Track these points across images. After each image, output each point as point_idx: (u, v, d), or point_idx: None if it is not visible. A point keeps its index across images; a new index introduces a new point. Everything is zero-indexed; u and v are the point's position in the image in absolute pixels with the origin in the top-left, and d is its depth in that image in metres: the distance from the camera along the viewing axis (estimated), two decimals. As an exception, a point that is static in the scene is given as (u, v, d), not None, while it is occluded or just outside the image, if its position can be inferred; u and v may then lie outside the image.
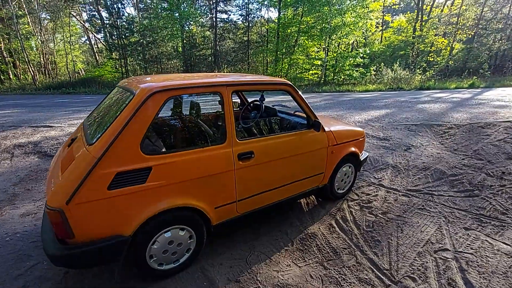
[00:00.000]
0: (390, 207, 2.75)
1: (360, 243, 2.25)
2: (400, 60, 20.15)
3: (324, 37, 17.63)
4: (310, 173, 2.48)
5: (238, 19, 24.60)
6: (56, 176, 1.63)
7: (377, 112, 7.15)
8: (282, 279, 1.87)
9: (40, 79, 18.23)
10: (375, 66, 20.48)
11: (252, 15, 24.10)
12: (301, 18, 18.27)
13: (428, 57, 22.03)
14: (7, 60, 18.71)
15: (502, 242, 2.18)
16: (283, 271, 1.95)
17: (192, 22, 21.06)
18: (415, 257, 2.05)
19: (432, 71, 19.00)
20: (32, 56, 19.75)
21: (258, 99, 2.91)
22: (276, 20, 19.82)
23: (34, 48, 20.02)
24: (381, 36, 27.04)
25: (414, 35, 22.62)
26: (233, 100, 3.48)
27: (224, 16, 23.66)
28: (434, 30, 22.16)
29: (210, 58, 23.01)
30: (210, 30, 23.39)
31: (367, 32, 23.16)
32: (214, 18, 22.70)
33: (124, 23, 19.58)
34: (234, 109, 3.37)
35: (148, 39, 20.47)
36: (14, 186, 3.28)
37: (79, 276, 1.88)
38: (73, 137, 1.98)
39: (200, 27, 23.09)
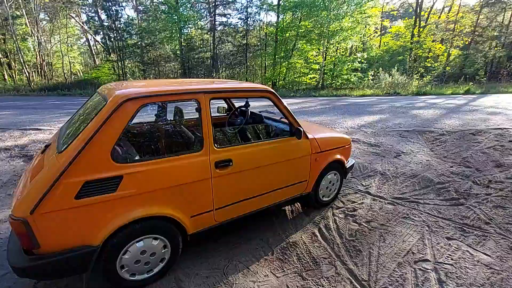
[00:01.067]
0: (374, 216, 2.73)
1: (341, 252, 2.22)
2: (398, 65, 20.25)
3: (322, 41, 17.74)
4: (292, 181, 2.45)
5: (237, 22, 24.78)
6: (25, 185, 1.59)
7: (371, 118, 7.15)
8: (258, 290, 1.84)
9: (35, 80, 18.22)
10: (373, 71, 20.58)
11: (251, 19, 24.21)
12: (299, 22, 18.36)
13: (426, 63, 22.15)
14: (2, 61, 18.71)
15: (482, 252, 2.15)
16: (259, 282, 1.92)
17: (191, 25, 21.15)
18: (394, 268, 2.02)
19: (430, 76, 19.11)
20: (28, 57, 19.77)
21: (244, 105, 2.90)
22: (275, 24, 19.92)
23: (32, 49, 20.03)
24: (380, 41, 27.22)
25: (412, 41, 22.76)
26: (221, 105, 3.48)
27: (224, 19, 23.74)
28: (432, 36, 22.32)
29: (208, 61, 23.06)
30: (209, 33, 23.46)
31: (365, 37, 23.29)
32: (213, 21, 22.78)
33: (123, 25, 19.64)
34: (221, 114, 3.36)
35: (146, 41, 20.51)
36: (-4, 190, 3.24)
37: (51, 286, 1.84)
38: (47, 144, 1.95)
39: (199, 30, 23.17)
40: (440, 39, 23.03)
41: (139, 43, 20.35)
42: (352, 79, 18.26)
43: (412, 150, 4.56)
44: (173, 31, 19.58)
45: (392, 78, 17.58)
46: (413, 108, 8.61)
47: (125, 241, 1.65)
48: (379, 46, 26.66)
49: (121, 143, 1.88)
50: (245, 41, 23.78)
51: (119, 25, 19.64)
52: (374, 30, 26.83)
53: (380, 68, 19.32)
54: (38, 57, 20.31)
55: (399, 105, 9.39)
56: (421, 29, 22.41)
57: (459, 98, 11.71)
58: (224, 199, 2.02)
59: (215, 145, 1.92)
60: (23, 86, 16.27)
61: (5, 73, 19.04)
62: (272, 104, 2.31)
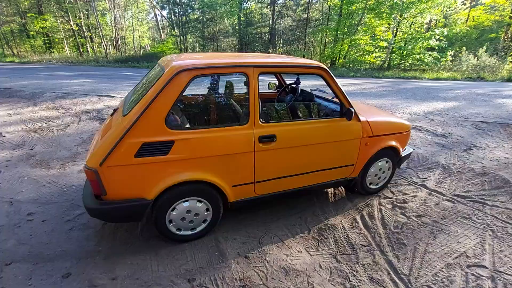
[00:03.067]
0: (427, 211, 2.50)
1: (383, 243, 2.12)
2: (488, 45, 17.03)
3: (394, 14, 15.74)
4: (338, 164, 2.36)
5: (299, -6, 23.45)
6: (97, 141, 1.87)
7: (441, 104, 6.32)
8: (290, 264, 1.89)
9: (112, 52, 20.41)
10: (454, 51, 17.72)
11: (315, -10, 22.69)
12: (369, -7, 16.54)
13: (527, 42, 18.18)
14: (85, 34, 21.30)
15: (560, 271, 1.82)
16: (292, 256, 1.97)
17: (251, -1, 20.86)
18: (441, 268, 1.86)
19: (530, 59, 15.71)
20: (106, 32, 22.08)
21: (294, 82, 2.83)
22: (342, -5, 18.33)
23: (109, 24, 22.28)
24: (468, 15, 23.03)
25: None
26: (272, 82, 3.45)
27: (285, -9, 22.75)
28: (541, 8, 17.99)
29: (266, 36, 22.70)
30: (269, 7, 22.85)
31: (450, 9, 19.94)
32: (274, -6, 22.02)
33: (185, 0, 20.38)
34: (272, 90, 3.34)
35: (207, 16, 21.01)
36: (77, 146, 3.85)
37: (114, 229, 2.18)
38: (115, 108, 2.22)
39: (258, 3, 22.74)
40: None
41: (201, 18, 20.96)
42: (425, 60, 16.02)
43: (488, 144, 3.93)
44: (233, 5, 19.58)
45: (477, 60, 14.96)
46: (499, 97, 7.29)
47: (174, 199, 1.84)
48: (466, 20, 22.63)
49: (175, 112, 2.04)
50: (306, 15, 22.57)
51: (183, 0, 20.44)
52: (463, 2, 22.75)
53: (464, 48, 16.54)
54: (114, 31, 22.60)
55: (481, 92, 8.04)
56: (527, -1, 18.21)
57: None
58: (265, 174, 2.07)
59: (261, 119, 1.95)
60: (101, 57, 18.43)
61: (87, 45, 21.76)
62: (324, 83, 2.20)
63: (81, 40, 21.34)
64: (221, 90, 2.60)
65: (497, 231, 2.21)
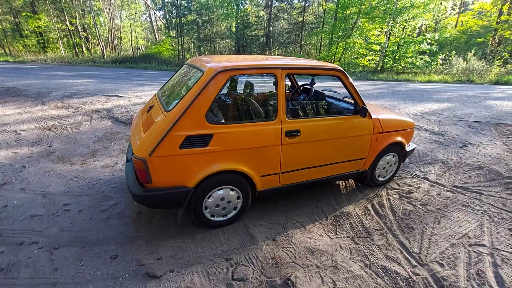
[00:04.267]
0: (431, 200, 2.75)
1: (393, 227, 2.36)
2: (477, 49, 17.71)
3: (387, 19, 16.25)
4: (351, 157, 2.60)
5: (295, -2, 23.86)
6: (139, 135, 2.05)
7: (436, 105, 6.66)
8: (314, 245, 2.11)
9: (107, 53, 20.31)
10: (444, 55, 18.36)
11: (310, -6, 23.12)
12: (363, -2, 17.01)
13: (513, 46, 18.98)
14: (81, 34, 21.16)
15: (549, 247, 2.09)
16: (315, 239, 2.18)
17: (247, 1, 21.11)
18: (447, 247, 2.10)
19: (516, 63, 16.44)
20: (102, 31, 21.97)
21: (308, 82, 3.06)
22: (335, 0, 18.79)
23: (103, 24, 22.19)
24: (457, 20, 23.85)
25: (499, 20, 19.53)
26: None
27: (281, -6, 23.10)
28: (526, 15, 18.82)
29: (262, 39, 22.98)
30: (265, 9, 23.16)
31: (440, 14, 20.63)
32: (270, -3, 22.34)
33: (183, 1, 20.47)
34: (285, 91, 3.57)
35: (204, 18, 21.15)
36: (94, 143, 3.99)
37: (149, 216, 2.36)
38: (151, 105, 2.40)
39: (255, 6, 23.02)
40: (537, 18, 19.30)
41: (197, 20, 21.08)
42: (417, 63, 16.58)
43: (482, 142, 4.25)
44: (230, 7, 19.79)
45: (466, 64, 15.56)
46: (488, 98, 7.71)
47: (211, 187, 2.04)
48: (455, 25, 23.44)
49: (213, 108, 2.23)
50: (301, 18, 22.97)
51: (180, 1, 20.54)
52: (452, 7, 23.55)
53: (453, 52, 17.17)
54: (109, 31, 22.52)
55: (471, 94, 8.46)
56: (512, 6, 19.04)
57: (551, 90, 10.01)
58: (289, 165, 2.28)
59: (287, 116, 2.16)
60: (98, 58, 18.34)
61: (83, 45, 21.63)
62: (341, 83, 2.43)
63: (77, 40, 21.18)
64: (249, 89, 2.81)
65: (493, 216, 2.48)
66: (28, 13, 19.62)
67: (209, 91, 1.90)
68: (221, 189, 2.09)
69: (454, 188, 2.98)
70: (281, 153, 2.19)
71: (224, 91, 2.54)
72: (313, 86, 2.97)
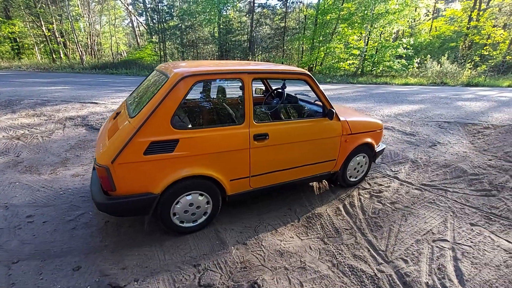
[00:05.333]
0: (399, 198, 2.84)
1: (363, 226, 2.41)
2: (450, 53, 18.59)
3: (365, 25, 16.81)
4: (322, 159, 2.65)
5: (276, 4, 24.28)
6: (104, 141, 2.00)
7: (409, 107, 6.91)
8: (284, 247, 2.12)
9: (87, 59, 19.81)
10: (420, 58, 19.16)
11: (291, 0, 23.59)
12: (341, 4, 17.53)
13: (482, 51, 20.04)
14: (59, 40, 20.56)
15: (505, 239, 2.20)
16: (286, 241, 2.20)
17: (229, 7, 21.26)
18: (412, 243, 2.17)
19: (485, 66, 17.36)
20: (81, 37, 21.44)
21: (280, 87, 3.11)
22: (315, 6, 19.25)
23: (82, 30, 21.68)
24: (431, 26, 24.97)
25: (469, 26, 20.62)
26: (258, 87, 3.72)
27: (262, 0, 23.51)
28: (493, 21, 19.97)
29: (245, 44, 23.16)
30: (247, 15, 23.41)
31: (414, 21, 21.53)
32: (252, 3, 22.61)
33: (164, 7, 20.36)
34: (259, 95, 3.60)
35: (186, 23, 21.11)
36: (66, 152, 3.87)
37: (117, 225, 2.30)
38: (118, 111, 2.36)
39: (237, 12, 23.21)
40: (502, 24, 20.53)
41: (179, 25, 21.01)
42: (395, 66, 17.21)
43: (450, 141, 4.44)
44: (212, 13, 19.86)
45: (440, 67, 16.29)
46: (459, 100, 8.09)
47: (178, 193, 2.02)
48: (429, 31, 24.52)
49: (179, 113, 2.22)
50: (283, 24, 23.36)
51: (161, 7, 20.43)
52: (426, 13, 24.65)
53: (428, 56, 17.93)
54: (89, 37, 22.01)
55: (443, 96, 8.85)
56: (480, 12, 20.15)
57: (516, 91, 10.63)
58: (259, 168, 2.30)
59: (255, 120, 2.18)
60: (76, 64, 17.83)
61: (61, 51, 21.00)
62: (309, 87, 2.49)
63: (54, 46, 20.54)
64: (220, 94, 2.81)
65: (456, 212, 2.59)
66: (1, 18, 18.87)
67: (174, 97, 1.89)
68: (189, 194, 2.08)
69: (422, 186, 3.09)
70: (250, 157, 2.21)
71: (192, 96, 2.53)
72: (284, 90, 3.02)
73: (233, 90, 2.47)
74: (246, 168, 2.23)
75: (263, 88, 3.62)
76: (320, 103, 2.79)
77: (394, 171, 3.46)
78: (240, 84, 2.17)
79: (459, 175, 3.31)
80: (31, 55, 20.97)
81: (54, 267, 1.86)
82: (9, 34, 19.63)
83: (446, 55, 17.18)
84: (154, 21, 21.51)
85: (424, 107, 6.95)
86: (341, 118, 2.66)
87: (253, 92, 3.59)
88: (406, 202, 2.77)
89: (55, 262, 1.91)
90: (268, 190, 2.48)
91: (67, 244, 2.08)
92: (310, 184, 3.12)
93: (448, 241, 2.20)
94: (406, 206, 2.70)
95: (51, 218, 2.38)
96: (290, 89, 3.49)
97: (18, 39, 20.65)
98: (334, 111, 2.46)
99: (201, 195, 2.13)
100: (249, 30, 22.81)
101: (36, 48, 20.53)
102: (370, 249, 2.13)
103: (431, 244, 2.17)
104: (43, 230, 2.23)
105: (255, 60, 21.95)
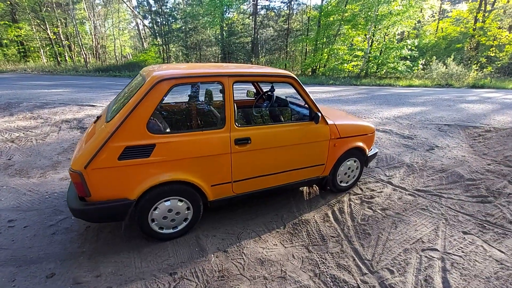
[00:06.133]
0: (391, 205, 2.75)
1: (350, 234, 2.33)
2: (455, 54, 18.30)
3: (368, 26, 16.65)
4: (309, 163, 2.58)
5: (280, 6, 24.27)
6: (81, 146, 1.97)
7: (410, 109, 6.79)
8: (266, 255, 2.06)
9: (91, 62, 20.05)
10: (425, 60, 18.89)
11: (295, 2, 23.55)
12: (345, 6, 17.42)
13: (489, 52, 19.68)
14: (64, 43, 20.85)
15: (497, 249, 2.09)
16: (268, 248, 2.13)
17: (233, 9, 21.31)
18: (400, 253, 2.09)
19: (491, 68, 17.05)
20: (85, 40, 21.72)
21: (269, 90, 3.05)
22: (319, 7, 19.16)
23: (89, 33, 21.96)
24: (437, 27, 24.65)
25: (475, 27, 20.29)
26: (250, 90, 3.66)
27: (266, 2, 23.55)
28: (498, 23, 19.63)
29: (248, 46, 23.16)
30: (251, 17, 23.42)
31: (419, 22, 21.28)
32: (255, 5, 22.62)
33: (169, 9, 20.51)
34: (250, 98, 3.55)
35: (190, 26, 21.23)
36: (58, 155, 3.86)
37: (97, 230, 2.27)
38: (99, 116, 2.33)
39: (241, 14, 23.25)
40: (508, 26, 20.16)
41: (183, 27, 21.14)
42: (399, 68, 16.98)
43: (448, 145, 4.32)
44: (216, 15, 19.93)
45: (446, 68, 16.05)
46: (462, 102, 7.92)
47: (156, 199, 1.97)
48: (435, 32, 24.21)
49: (156, 117, 2.18)
50: (287, 26, 23.32)
51: (165, 10, 20.57)
52: (431, 14, 24.37)
53: (434, 57, 17.68)
54: (93, 40, 22.28)
55: (447, 98, 8.68)
56: (486, 14, 19.82)
57: (522, 93, 10.38)
58: (241, 173, 2.24)
59: (236, 124, 2.13)
60: (81, 66, 18.07)
61: (66, 54, 21.31)
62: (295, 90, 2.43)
63: (59, 49, 20.85)
64: (200, 97, 2.76)
65: (449, 219, 2.49)
66: (7, 22, 19.23)
67: (150, 101, 1.85)
68: (168, 200, 2.03)
69: (415, 191, 2.99)
70: (232, 162, 2.15)
71: (171, 100, 2.50)
72: (273, 92, 2.96)
73: (217, 93, 2.42)
74: (227, 173, 2.17)
75: (255, 91, 3.57)
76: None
77: (388, 176, 3.36)
78: (221, 87, 2.12)
79: (456, 180, 3.20)
80: (37, 58, 21.31)
81: (28, 274, 1.83)
82: (15, 38, 19.98)
83: (452, 56, 16.93)
84: (158, 23, 21.69)
85: (425, 109, 6.82)
86: (330, 122, 2.59)
87: (246, 94, 3.55)
88: (397, 209, 2.67)
89: (30, 268, 1.87)
90: (253, 196, 2.42)
91: (45, 250, 2.04)
92: (300, 189, 3.05)
93: (438, 251, 2.10)
94: (397, 213, 2.61)
95: (33, 223, 2.35)
96: (288, 91, 3.43)
97: (24, 42, 21.01)
98: (319, 114, 2.39)
99: (181, 200, 2.08)
100: (252, 32, 22.81)
101: (42, 51, 20.84)
102: (356, 258, 2.05)
103: (420, 253, 2.08)
104: (23, 235, 2.20)
105: (258, 63, 21.94)
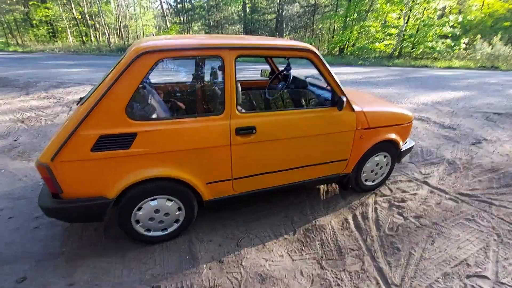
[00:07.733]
0: (427, 211, 2.27)
1: (374, 247, 1.91)
2: (503, 33, 16.14)
3: (406, 0, 14.96)
4: (328, 159, 2.14)
5: (307, -20, 22.59)
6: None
7: (451, 94, 5.95)
8: (268, 270, 1.71)
9: (114, 41, 20.17)
10: (468, 39, 16.87)
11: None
12: (380, -23, 15.73)
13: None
14: (89, 23, 21.07)
15: None
16: (272, 261, 1.78)
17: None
18: (438, 278, 1.65)
19: (546, 48, 14.84)
20: (110, 20, 21.80)
21: (284, 68, 2.58)
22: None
23: (114, 12, 21.98)
24: (483, 2, 21.81)
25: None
26: (265, 69, 3.19)
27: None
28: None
29: (272, 23, 22.05)
30: (275, -8, 22.11)
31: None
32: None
33: (190, -14, 19.86)
34: (264, 78, 3.10)
35: (211, 2, 20.51)
36: (65, 135, 3.71)
37: (82, 228, 2.03)
38: (83, 97, 2.03)
39: (265, -11, 22.05)
40: None
41: (204, 4, 20.47)
42: (438, 47, 15.28)
43: (499, 138, 3.63)
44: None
45: (492, 49, 14.21)
46: (514, 86, 6.86)
47: (139, 198, 1.66)
48: (481, 7, 21.46)
49: (138, 100, 1.83)
50: (314, 1, 21.78)
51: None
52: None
53: (478, 35, 15.71)
54: (117, 19, 22.30)
55: (493, 82, 7.59)
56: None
57: None
58: (244, 170, 1.87)
59: (238, 109, 1.73)
60: (104, 46, 18.21)
61: (91, 34, 21.58)
62: (314, 67, 1.96)
63: (84, 29, 21.15)
64: (196, 76, 2.37)
65: (503, 236, 1.98)
66: (35, 2, 19.65)
67: (130, 78, 1.49)
68: (155, 199, 1.72)
69: (458, 195, 2.47)
70: (232, 156, 1.78)
71: (157, 78, 2.12)
72: (290, 71, 2.50)
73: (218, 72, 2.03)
74: (227, 169, 1.81)
75: (269, 70, 3.11)
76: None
77: (424, 174, 2.83)
78: (220, 63, 1.71)
79: (509, 183, 2.61)
80: (64, 39, 21.81)
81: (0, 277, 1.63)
82: (44, 18, 20.45)
83: (499, 35, 14.92)
84: (181, 1, 21.19)
85: (469, 94, 5.94)
86: (356, 108, 2.11)
87: (260, 74, 3.11)
88: (435, 217, 2.19)
89: (3, 269, 1.68)
90: (259, 195, 2.05)
91: (23, 248, 1.84)
92: (317, 186, 2.63)
93: (489, 279, 1.64)
94: (434, 223, 2.13)
95: (19, 214, 2.17)
96: (311, 71, 2.92)
97: (52, 23, 21.49)
98: (344, 99, 1.90)
99: (170, 200, 1.76)
100: (277, 8, 21.58)
101: (69, 31, 21.25)
102: (380, 281, 1.64)
103: (464, 281, 1.63)
104: (5, 228, 2.02)
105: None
